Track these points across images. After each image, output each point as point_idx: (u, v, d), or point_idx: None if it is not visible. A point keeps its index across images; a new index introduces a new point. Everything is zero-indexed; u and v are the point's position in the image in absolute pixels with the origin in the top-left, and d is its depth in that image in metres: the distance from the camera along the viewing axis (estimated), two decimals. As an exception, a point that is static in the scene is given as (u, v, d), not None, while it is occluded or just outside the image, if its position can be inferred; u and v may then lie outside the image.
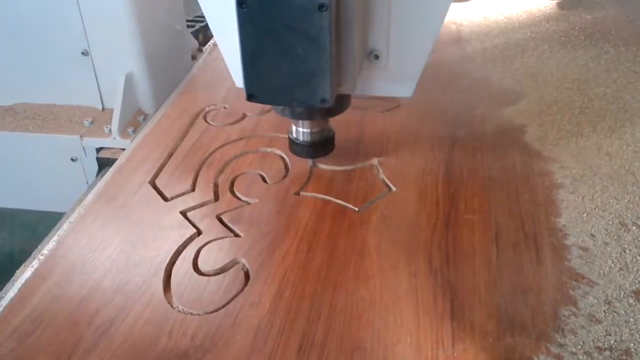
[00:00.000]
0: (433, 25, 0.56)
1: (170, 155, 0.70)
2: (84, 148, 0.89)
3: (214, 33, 0.61)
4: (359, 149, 0.71)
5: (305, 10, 0.47)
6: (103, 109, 0.93)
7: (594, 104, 0.78)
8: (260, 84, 0.52)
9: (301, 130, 0.64)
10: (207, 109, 0.81)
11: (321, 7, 0.46)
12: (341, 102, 0.60)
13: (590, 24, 1.04)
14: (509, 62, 0.90)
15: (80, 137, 0.87)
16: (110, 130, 0.87)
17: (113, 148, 0.88)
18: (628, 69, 0.87)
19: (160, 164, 0.68)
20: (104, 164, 0.87)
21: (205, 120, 0.78)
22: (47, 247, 0.57)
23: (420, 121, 0.76)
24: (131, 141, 0.83)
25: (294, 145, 0.65)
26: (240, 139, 0.74)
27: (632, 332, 0.45)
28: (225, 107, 0.81)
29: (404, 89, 0.60)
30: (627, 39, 0.97)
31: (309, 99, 0.52)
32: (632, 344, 0.44)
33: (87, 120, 0.90)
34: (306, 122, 0.63)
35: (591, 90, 0.81)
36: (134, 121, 0.89)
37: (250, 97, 0.53)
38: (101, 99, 0.93)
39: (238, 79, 0.60)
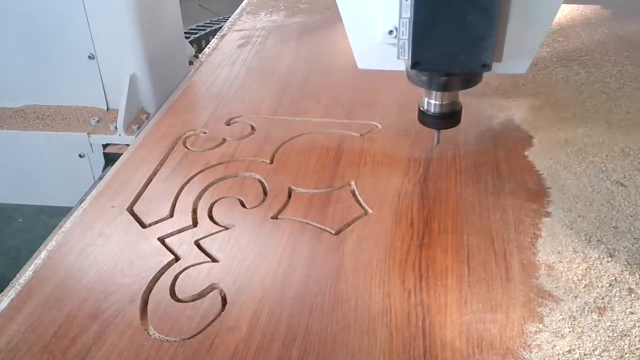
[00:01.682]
0: (554, 2, 0.59)
1: (149, 182, 0.71)
2: (91, 145, 0.95)
3: (343, 18, 0.66)
4: (337, 172, 0.72)
5: None
6: (108, 109, 1.00)
7: (563, 124, 0.80)
8: (426, 51, 0.59)
9: (433, 102, 0.68)
10: (186, 134, 0.82)
11: None
12: (476, 75, 0.65)
13: (563, 47, 1.07)
14: (484, 83, 0.92)
15: (88, 134, 0.94)
16: (115, 127, 0.94)
17: (119, 144, 0.95)
18: (597, 89, 0.89)
19: (138, 191, 0.69)
20: (110, 159, 0.94)
21: (185, 146, 0.79)
22: (24, 276, 0.57)
23: (396, 143, 0.77)
24: (135, 137, 0.90)
25: (424, 116, 0.70)
26: (220, 163, 0.75)
27: (595, 346, 0.47)
28: (204, 133, 0.82)
29: (520, 66, 0.64)
30: (597, 60, 1.00)
31: (472, 64, 0.58)
32: (594, 358, 0.46)
33: (93, 119, 0.97)
34: (439, 94, 0.67)
35: (561, 111, 0.83)
36: (137, 119, 0.97)
37: (415, 64, 0.60)
38: (106, 99, 1.00)
39: (361, 61, 0.68)
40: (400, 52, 0.61)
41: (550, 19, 0.62)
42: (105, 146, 0.95)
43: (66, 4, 0.90)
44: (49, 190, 1.01)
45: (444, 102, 0.68)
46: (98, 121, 0.96)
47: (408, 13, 0.58)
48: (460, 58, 0.58)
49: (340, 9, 0.65)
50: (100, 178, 0.78)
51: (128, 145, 0.88)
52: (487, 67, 0.58)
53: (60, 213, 0.79)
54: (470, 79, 0.65)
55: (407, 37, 0.59)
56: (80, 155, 0.96)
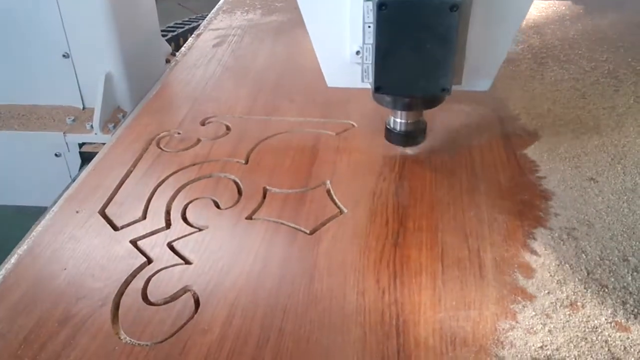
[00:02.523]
0: (513, 24, 0.61)
1: (121, 183, 0.70)
2: (67, 144, 0.96)
3: (312, 38, 0.67)
4: (312, 171, 0.72)
5: (438, 11, 0.55)
6: (84, 108, 1.01)
7: (538, 121, 0.80)
8: (388, 77, 0.60)
9: (398, 121, 0.71)
10: (160, 134, 0.81)
11: (453, 7, 0.54)
12: (438, 97, 0.67)
13: (537, 44, 1.07)
14: (458, 81, 0.93)
15: (64, 133, 0.94)
16: (91, 126, 0.94)
17: (95, 143, 0.95)
18: (571, 86, 0.90)
19: (111, 193, 0.68)
20: (86, 158, 0.94)
21: (159, 147, 0.78)
22: (-6, 281, 0.56)
23: (372, 142, 0.77)
24: (111, 136, 0.89)
25: (390, 134, 0.72)
26: (194, 164, 0.74)
27: (568, 342, 0.47)
28: (179, 133, 0.81)
29: (482, 84, 0.67)
30: (571, 56, 1.01)
31: (432, 88, 0.60)
32: (566, 354, 0.46)
33: (69, 118, 0.97)
34: (404, 113, 0.69)
35: (534, 109, 0.84)
36: (113, 118, 0.97)
37: (378, 89, 0.61)
38: (82, 98, 1.00)
39: (330, 80, 0.70)
40: (365, 76, 0.63)
41: (507, 44, 0.63)
42: (81, 145, 0.95)
43: (40, 2, 0.89)
44: (26, 190, 1.01)
45: (408, 121, 0.70)
46: (74, 120, 0.96)
47: (371, 39, 0.59)
48: (420, 83, 0.60)
49: (308, 30, 0.65)
50: (77, 177, 0.78)
51: (104, 144, 0.87)
52: (447, 91, 0.60)
53: (37, 213, 0.78)
54: (434, 99, 0.67)
55: (370, 62, 0.61)
56: (56, 155, 0.96)
